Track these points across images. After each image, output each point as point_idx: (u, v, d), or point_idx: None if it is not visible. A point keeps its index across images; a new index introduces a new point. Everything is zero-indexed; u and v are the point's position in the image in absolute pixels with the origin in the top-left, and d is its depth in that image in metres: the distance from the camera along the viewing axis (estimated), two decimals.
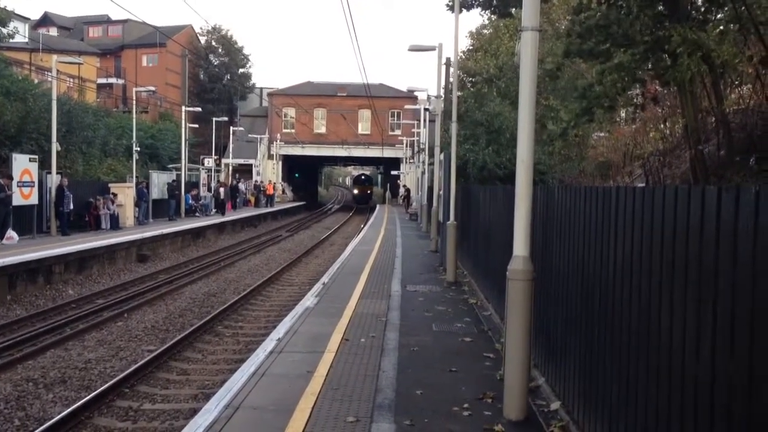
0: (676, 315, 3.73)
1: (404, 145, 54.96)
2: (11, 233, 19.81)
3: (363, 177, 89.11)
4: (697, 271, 3.49)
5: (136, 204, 29.25)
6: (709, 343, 3.34)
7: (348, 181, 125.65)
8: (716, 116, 11.33)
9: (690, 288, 3.58)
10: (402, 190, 56.23)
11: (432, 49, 21.60)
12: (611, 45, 10.84)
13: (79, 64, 30.10)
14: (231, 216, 37.63)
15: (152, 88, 38.13)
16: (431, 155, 27.08)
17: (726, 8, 11.00)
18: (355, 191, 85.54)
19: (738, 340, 3.07)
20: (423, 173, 35.33)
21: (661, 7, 10.80)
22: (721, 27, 11.07)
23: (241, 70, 71.26)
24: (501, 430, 5.83)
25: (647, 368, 4.13)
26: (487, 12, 15.44)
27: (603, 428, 4.97)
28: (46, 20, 64.17)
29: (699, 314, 3.46)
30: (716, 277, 3.29)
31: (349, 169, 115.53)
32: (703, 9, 11.16)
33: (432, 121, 32.01)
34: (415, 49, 21.45)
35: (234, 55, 68.99)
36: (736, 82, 14.27)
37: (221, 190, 40.41)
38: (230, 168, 54.15)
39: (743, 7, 9.75)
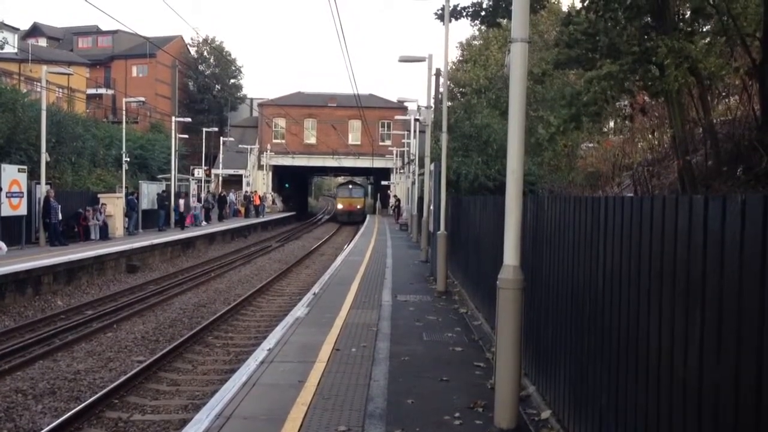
0: (665, 322, 3.77)
1: (394, 155, 55.07)
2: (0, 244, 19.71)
3: (350, 186, 66.82)
4: (685, 279, 3.53)
5: (126, 214, 29.16)
6: (696, 349, 3.38)
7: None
8: (704, 127, 11.44)
9: (678, 295, 3.62)
10: (392, 201, 56.20)
11: (422, 59, 21.70)
12: (599, 54, 10.94)
13: (69, 74, 30.05)
14: (221, 226, 37.52)
15: (142, 99, 38.09)
16: (421, 166, 27.15)
17: (713, 20, 11.12)
18: (339, 206, 62.70)
19: (725, 345, 3.11)
20: (413, 183, 35.40)
21: (648, 19, 10.91)
22: (708, 39, 11.19)
23: (232, 81, 71.30)
24: None
25: (636, 375, 4.16)
26: (476, 22, 15.50)
27: None
28: (35, 31, 64.02)
29: (687, 321, 3.50)
30: (703, 284, 3.34)
31: (340, 179, 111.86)
32: (690, 20, 11.27)
33: (422, 131, 32.11)
34: (405, 59, 21.55)
35: (225, 65, 69.04)
36: (724, 94, 14.41)
37: (181, 201, 34.77)
38: (220, 178, 54.08)
39: (730, 19, 9.87)
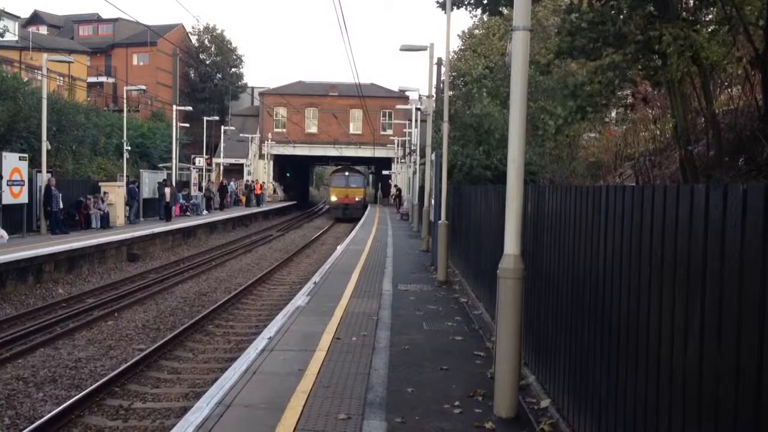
0: (665, 311, 3.76)
1: (396, 144, 54.97)
2: (1, 232, 19.72)
3: (347, 172, 53.02)
4: (686, 268, 3.52)
5: (127, 203, 29.16)
6: (696, 339, 3.37)
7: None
8: (706, 117, 11.39)
9: (678, 284, 3.61)
10: (393, 190, 56.12)
11: (423, 48, 21.62)
12: (602, 44, 10.86)
13: (69, 62, 29.95)
14: (222, 215, 37.48)
15: (143, 87, 38.00)
16: (422, 155, 27.10)
17: (715, 8, 11.06)
18: (333, 198, 51.25)
19: (725, 334, 3.10)
20: (414, 173, 35.36)
21: (651, 7, 10.84)
22: (712, 27, 11.12)
23: (233, 70, 71.09)
24: (491, 427, 5.86)
25: (636, 364, 4.16)
26: (477, 11, 15.45)
27: (593, 425, 5.01)
28: (36, 18, 63.79)
29: (687, 310, 3.49)
30: (704, 273, 3.33)
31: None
32: (693, 9, 11.20)
33: (423, 120, 32.08)
34: (406, 48, 21.47)
35: (226, 54, 68.83)
36: (726, 83, 14.34)
37: (167, 190, 31.67)
38: (221, 167, 54.03)
39: (733, 8, 9.80)
